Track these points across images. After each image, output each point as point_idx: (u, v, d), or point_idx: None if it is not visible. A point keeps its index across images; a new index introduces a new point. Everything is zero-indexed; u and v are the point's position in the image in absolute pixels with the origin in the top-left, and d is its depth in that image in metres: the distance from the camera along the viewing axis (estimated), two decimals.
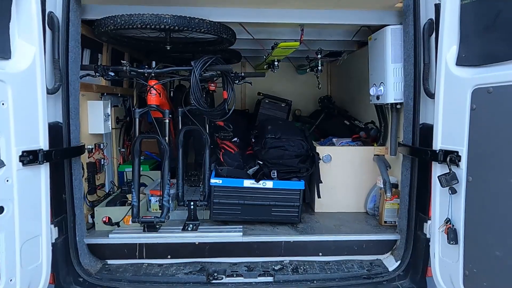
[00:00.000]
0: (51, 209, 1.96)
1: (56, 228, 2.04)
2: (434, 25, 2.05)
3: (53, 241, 2.01)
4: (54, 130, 2.01)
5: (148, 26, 2.09)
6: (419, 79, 2.16)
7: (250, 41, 2.88)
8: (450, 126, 1.86)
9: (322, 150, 2.82)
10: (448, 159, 1.81)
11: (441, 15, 1.90)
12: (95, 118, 2.65)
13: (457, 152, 1.79)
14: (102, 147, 2.84)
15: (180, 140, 2.57)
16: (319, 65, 3.26)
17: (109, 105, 2.86)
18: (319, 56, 3.12)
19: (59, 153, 1.97)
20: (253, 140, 3.07)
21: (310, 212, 2.87)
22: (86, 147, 2.54)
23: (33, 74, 1.75)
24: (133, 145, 2.31)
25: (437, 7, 2.00)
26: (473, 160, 1.73)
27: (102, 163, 2.82)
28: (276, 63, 3.20)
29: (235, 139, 3.13)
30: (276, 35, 2.94)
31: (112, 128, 3.03)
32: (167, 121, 2.37)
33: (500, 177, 1.59)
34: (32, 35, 1.75)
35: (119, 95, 3.30)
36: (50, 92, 1.93)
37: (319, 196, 2.71)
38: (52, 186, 1.95)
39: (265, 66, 3.60)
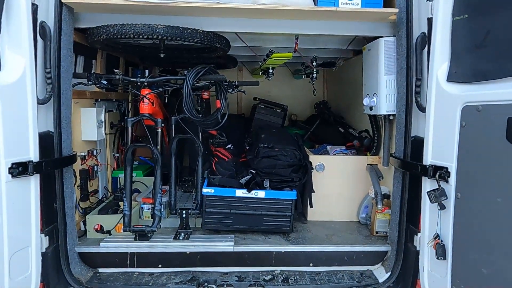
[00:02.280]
0: (41, 218, 1.96)
1: (47, 237, 2.04)
2: (426, 39, 2.05)
3: (44, 250, 2.01)
4: (45, 139, 2.01)
5: (140, 36, 2.09)
6: (412, 92, 2.17)
7: (245, 48, 2.88)
8: (440, 142, 1.87)
9: (315, 159, 2.82)
10: (437, 175, 1.82)
11: (433, 29, 1.91)
12: (88, 125, 2.64)
13: (446, 168, 1.80)
14: (95, 153, 2.83)
15: (173, 148, 2.56)
16: (314, 72, 3.26)
17: (103, 112, 2.86)
18: (314, 64, 3.12)
19: (50, 163, 1.97)
20: (247, 147, 3.07)
21: (302, 220, 2.88)
22: (79, 154, 2.56)
23: (23, 85, 1.75)
24: (125, 154, 2.31)
25: (430, 21, 2.01)
26: (462, 177, 1.74)
27: (95, 169, 2.82)
28: (271, 70, 3.19)
29: (229, 145, 3.14)
30: (271, 42, 2.94)
31: (106, 134, 3.03)
32: (159, 130, 2.37)
33: (487, 195, 1.59)
34: (22, 47, 1.75)
35: (114, 100, 3.30)
36: (41, 102, 1.93)
37: (311, 206, 2.71)
38: (43, 195, 1.96)
39: (260, 73, 3.60)
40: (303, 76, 3.95)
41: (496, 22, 1.60)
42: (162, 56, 2.53)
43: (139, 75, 2.36)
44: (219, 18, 2.32)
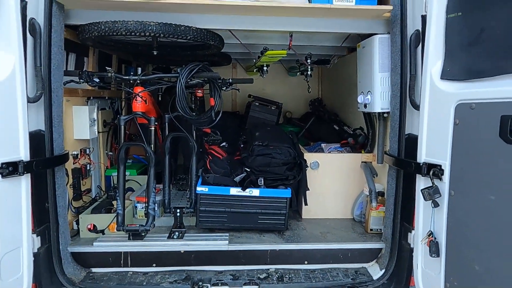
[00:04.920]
0: (33, 218, 1.94)
1: (39, 237, 2.02)
2: (420, 36, 2.05)
3: (35, 251, 1.99)
4: (36, 138, 1.98)
5: (132, 33, 2.07)
6: (406, 90, 2.17)
7: (239, 45, 2.86)
8: (434, 139, 1.87)
9: (310, 157, 2.82)
10: (431, 172, 1.82)
11: (427, 27, 1.90)
12: (81, 124, 2.61)
13: (440, 166, 1.80)
14: (88, 152, 2.80)
15: (167, 147, 2.55)
16: (309, 70, 3.24)
17: (95, 110, 2.82)
18: (308, 61, 3.11)
19: (41, 163, 1.94)
20: (241, 145, 3.06)
21: (297, 218, 2.88)
22: (71, 153, 2.52)
23: (12, 84, 1.72)
24: (118, 153, 2.28)
25: (424, 19, 2.00)
26: (455, 175, 1.74)
27: (88, 168, 2.79)
28: (265, 68, 3.18)
29: (224, 143, 3.12)
30: (266, 40, 2.91)
31: (99, 132, 2.99)
32: (152, 128, 2.35)
33: (480, 193, 1.60)
34: (11, 44, 1.72)
35: (107, 98, 3.26)
36: (31, 100, 1.90)
37: (306, 204, 2.71)
38: (34, 195, 1.93)
39: (255, 70, 3.58)
40: (298, 73, 3.95)
41: (490, 20, 1.60)
42: (155, 53, 2.51)
43: (132, 73, 2.33)
44: (212, 15, 2.29)
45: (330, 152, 3.07)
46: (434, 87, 1.85)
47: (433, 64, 1.87)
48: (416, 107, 2.06)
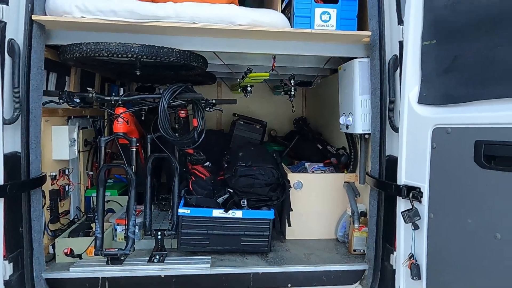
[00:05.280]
0: (5, 244, 1.86)
1: (11, 264, 1.93)
2: (398, 61, 2.11)
3: (7, 278, 1.90)
4: (12, 160, 1.92)
5: (115, 55, 2.06)
6: (385, 112, 2.22)
7: (224, 65, 2.88)
8: (413, 162, 1.91)
9: (293, 177, 2.82)
10: (411, 195, 1.85)
11: (404, 52, 1.97)
12: (60, 144, 2.55)
13: (419, 188, 1.83)
14: (67, 172, 2.73)
15: (149, 168, 2.51)
16: (292, 90, 3.29)
17: (76, 129, 2.77)
18: (292, 82, 3.15)
19: (15, 186, 1.88)
20: (225, 165, 3.04)
21: (281, 239, 2.85)
22: (49, 174, 2.46)
23: None
24: (98, 175, 2.24)
25: (401, 44, 2.07)
26: (434, 198, 1.77)
27: (67, 189, 2.72)
28: (249, 88, 3.21)
29: (207, 163, 3.10)
30: (250, 61, 2.95)
31: (79, 152, 2.93)
32: (134, 149, 2.31)
33: (459, 216, 1.63)
34: None
35: (89, 117, 3.22)
36: (7, 122, 1.86)
37: (289, 225, 2.70)
38: (7, 219, 1.86)
39: (239, 89, 3.61)
40: (282, 93, 4.00)
41: (462, 49, 1.67)
42: (138, 73, 2.50)
43: (114, 94, 2.31)
44: (196, 37, 2.31)
45: (313, 171, 3.09)
46: (412, 111, 1.90)
47: (411, 89, 1.92)
48: (396, 129, 2.11)
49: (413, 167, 1.90)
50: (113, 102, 2.27)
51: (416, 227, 1.82)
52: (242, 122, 4.10)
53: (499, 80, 1.49)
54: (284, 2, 2.51)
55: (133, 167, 2.29)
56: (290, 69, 3.21)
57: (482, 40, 1.56)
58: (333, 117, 3.46)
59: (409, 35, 1.91)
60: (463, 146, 1.59)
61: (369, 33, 2.22)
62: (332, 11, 2.35)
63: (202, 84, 3.86)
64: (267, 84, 4.66)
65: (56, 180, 2.59)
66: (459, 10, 1.66)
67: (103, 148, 2.29)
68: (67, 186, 2.72)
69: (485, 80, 1.55)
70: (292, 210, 2.69)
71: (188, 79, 3.06)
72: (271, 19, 2.20)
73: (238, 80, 3.35)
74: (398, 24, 2.10)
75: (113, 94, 2.29)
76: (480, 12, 1.57)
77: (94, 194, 2.84)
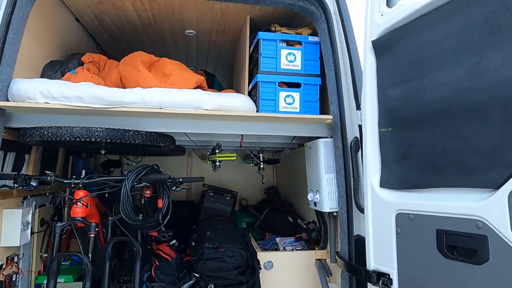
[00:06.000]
0: None
1: None
2: (360, 143, 2.20)
3: None
4: None
5: (78, 139, 2.02)
6: (351, 192, 2.25)
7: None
8: (380, 245, 1.89)
9: (263, 256, 2.72)
10: (380, 282, 1.80)
11: (363, 136, 2.05)
12: (11, 230, 2.35)
13: (388, 275, 1.79)
14: (16, 259, 2.49)
15: (108, 253, 2.34)
16: (261, 163, 3.33)
17: (31, 211, 2.59)
18: (260, 156, 3.20)
19: None
20: (192, 243, 2.91)
21: None
22: None
23: None
24: (49, 265, 2.05)
25: (360, 128, 2.17)
26: (403, 285, 1.73)
27: (15, 279, 2.45)
28: (218, 163, 3.21)
29: (174, 241, 2.95)
30: (219, 137, 2.98)
31: (33, 233, 2.72)
32: (92, 235, 2.17)
33: None
34: None
35: (48, 194, 3.04)
36: None
37: None
38: None
39: (208, 163, 3.61)
40: (252, 164, 4.03)
41: (415, 137, 1.76)
42: (103, 152, 2.45)
43: (75, 176, 2.21)
44: (163, 119, 2.34)
45: (284, 247, 3.00)
46: (375, 194, 1.93)
47: (372, 171, 1.98)
48: (361, 210, 2.12)
49: (381, 251, 1.87)
50: (73, 185, 2.17)
51: None
52: (212, 193, 4.02)
53: (450, 169, 1.56)
54: (250, 84, 2.65)
55: (90, 255, 2.13)
56: (259, 143, 3.27)
57: (432, 131, 1.66)
58: (303, 188, 3.47)
59: (366, 121, 2.01)
60: (426, 234, 1.60)
61: (330, 117, 2.34)
62: (296, 95, 2.48)
63: (172, 155, 3.83)
64: (238, 153, 4.70)
65: (2, 270, 2.34)
66: (409, 103, 1.79)
67: (57, 235, 2.13)
68: (14, 276, 2.45)
69: (438, 168, 1.62)
70: None
71: (156, 153, 3.03)
72: (237, 103, 2.28)
73: (208, 153, 3.36)
74: (357, 109, 2.23)
75: (74, 177, 2.20)
76: (428, 106, 1.69)
77: (45, 281, 2.59)
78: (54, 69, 2.49)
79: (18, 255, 2.52)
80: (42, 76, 2.45)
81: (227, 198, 4.06)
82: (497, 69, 1.36)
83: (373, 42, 1.97)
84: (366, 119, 2.01)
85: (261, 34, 2.49)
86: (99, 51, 3.54)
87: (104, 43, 3.48)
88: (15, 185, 2.10)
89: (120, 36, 3.29)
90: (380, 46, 1.94)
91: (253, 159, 3.50)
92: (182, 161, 4.63)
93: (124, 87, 2.32)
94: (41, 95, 1.98)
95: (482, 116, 1.41)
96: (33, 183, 2.15)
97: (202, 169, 4.63)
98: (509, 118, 1.32)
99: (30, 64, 2.36)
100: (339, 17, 2.37)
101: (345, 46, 2.33)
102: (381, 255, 1.87)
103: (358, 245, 2.16)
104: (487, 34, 1.40)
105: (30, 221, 2.55)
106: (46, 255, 2.97)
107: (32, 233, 2.68)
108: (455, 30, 1.53)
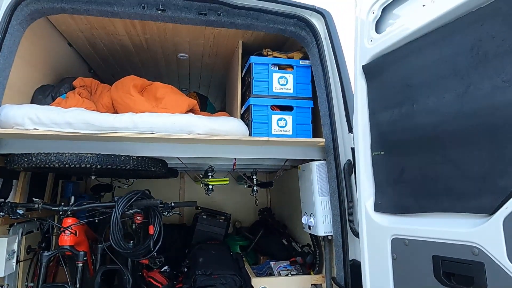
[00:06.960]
0: None
1: None
2: (353, 166, 2.19)
3: None
4: None
5: (67, 165, 1.98)
6: (346, 216, 2.22)
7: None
8: (377, 271, 1.85)
9: (257, 282, 2.64)
10: None
11: (356, 160, 2.04)
12: None
13: None
14: None
15: (97, 282, 2.26)
16: (254, 186, 3.30)
17: (17, 239, 2.50)
18: (254, 178, 3.17)
19: None
20: (184, 269, 2.83)
21: None
22: None
23: None
24: None
25: (353, 151, 2.17)
26: None
27: None
28: (210, 187, 3.17)
29: (166, 267, 2.87)
30: (211, 160, 2.97)
31: (18, 262, 2.62)
32: (81, 265, 2.10)
33: None
34: None
35: (35, 219, 2.95)
36: None
37: None
38: None
39: (201, 185, 3.56)
40: (245, 186, 3.99)
41: (407, 161, 1.75)
42: (93, 177, 2.41)
43: (63, 203, 2.16)
44: (155, 144, 2.31)
45: (279, 271, 2.94)
46: (369, 218, 1.91)
47: (366, 195, 1.96)
48: (356, 234, 2.09)
49: (378, 278, 1.84)
50: (61, 212, 2.12)
51: None
52: (205, 216, 3.96)
53: (443, 194, 1.55)
54: (243, 107, 2.65)
55: (78, 285, 2.05)
56: (252, 165, 3.25)
57: (424, 156, 1.66)
58: (297, 209, 3.43)
59: (359, 144, 2.01)
60: (422, 260, 1.57)
61: (323, 140, 2.34)
62: (288, 118, 2.49)
63: (164, 177, 3.78)
64: (231, 174, 4.67)
65: None
66: (400, 127, 1.79)
67: (44, 265, 2.06)
68: None
69: (432, 193, 1.61)
70: None
71: (148, 176, 2.99)
72: (229, 127, 2.27)
73: (201, 175, 3.32)
74: (349, 132, 2.24)
75: (62, 204, 2.14)
76: (418, 130, 1.70)
77: None
78: (45, 93, 2.47)
79: (2, 286, 2.42)
80: (32, 101, 2.43)
81: (220, 220, 4.00)
82: (484, 96, 1.38)
83: (363, 67, 1.99)
84: (359, 142, 2.01)
85: (253, 59, 2.52)
86: (91, 74, 3.54)
87: (96, 66, 3.49)
88: (1, 213, 2.04)
89: (113, 60, 3.30)
90: (370, 70, 1.97)
91: (245, 182, 3.47)
92: (175, 183, 4.57)
93: (116, 111, 2.31)
94: (30, 121, 1.96)
95: (471, 142, 1.42)
96: (20, 211, 2.09)
97: (195, 190, 4.58)
98: (497, 144, 1.33)
99: (21, 89, 2.34)
100: (329, 42, 2.41)
101: (336, 69, 2.35)
102: (378, 281, 1.83)
103: (354, 269, 2.12)
104: (474, 61, 1.42)
105: (16, 249, 2.46)
106: (32, 284, 2.86)
107: (17, 261, 2.58)
108: (443, 56, 1.56)
